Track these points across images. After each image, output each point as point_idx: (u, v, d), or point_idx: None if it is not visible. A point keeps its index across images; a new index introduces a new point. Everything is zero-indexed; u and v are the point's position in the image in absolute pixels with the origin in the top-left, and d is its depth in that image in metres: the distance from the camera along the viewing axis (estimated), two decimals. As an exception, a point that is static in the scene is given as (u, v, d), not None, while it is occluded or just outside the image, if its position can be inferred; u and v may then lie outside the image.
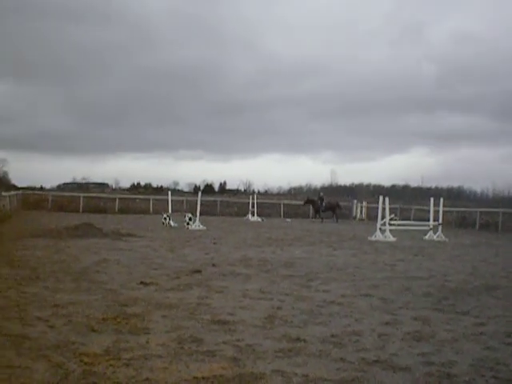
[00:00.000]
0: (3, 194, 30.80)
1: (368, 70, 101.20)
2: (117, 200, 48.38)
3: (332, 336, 7.25)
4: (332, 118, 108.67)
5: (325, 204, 44.31)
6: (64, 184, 76.40)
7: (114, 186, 77.13)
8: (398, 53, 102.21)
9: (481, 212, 42.04)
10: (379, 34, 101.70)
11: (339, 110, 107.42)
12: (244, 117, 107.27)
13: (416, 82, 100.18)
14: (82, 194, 49.18)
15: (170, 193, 37.10)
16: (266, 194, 75.74)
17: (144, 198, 50.58)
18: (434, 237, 27.71)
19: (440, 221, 28.96)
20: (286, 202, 54.43)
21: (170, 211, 32.25)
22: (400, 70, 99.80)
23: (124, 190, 70.53)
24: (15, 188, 49.29)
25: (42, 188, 63.29)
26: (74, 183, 77.09)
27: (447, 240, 26.93)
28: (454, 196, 69.39)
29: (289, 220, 45.03)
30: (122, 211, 46.12)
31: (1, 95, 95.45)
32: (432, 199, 30.36)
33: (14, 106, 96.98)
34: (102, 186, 74.71)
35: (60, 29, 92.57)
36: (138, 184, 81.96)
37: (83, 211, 44.59)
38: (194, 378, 5.42)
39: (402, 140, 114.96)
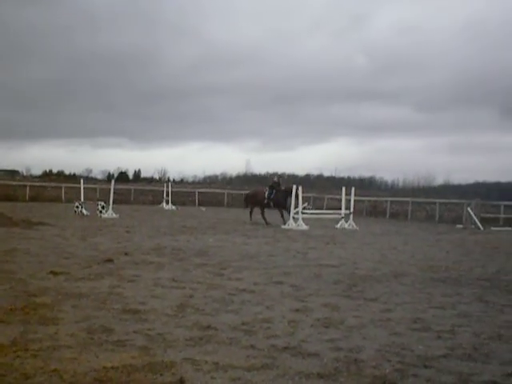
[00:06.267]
0: None
1: (303, 59, 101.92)
2: (27, 188, 47.24)
3: (243, 324, 7.32)
4: (262, 106, 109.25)
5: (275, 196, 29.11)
6: (-30, 171, 73.82)
7: (24, 174, 75.03)
8: (335, 43, 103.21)
9: (391, 201, 43.14)
10: (320, 22, 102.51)
11: (270, 98, 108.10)
12: (172, 105, 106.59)
13: (348, 72, 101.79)
14: (-11, 182, 47.78)
15: (82, 180, 36.43)
16: (181, 182, 75.37)
17: (56, 186, 49.53)
18: (346, 225, 28.23)
19: (351, 210, 29.54)
20: (200, 190, 54.37)
21: (82, 199, 31.73)
22: (334, 60, 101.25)
23: (35, 177, 68.64)
24: None
25: None
26: (-18, 170, 74.58)
27: (358, 228, 27.53)
28: (365, 186, 70.90)
29: (203, 209, 45.03)
30: (32, 199, 45.13)
31: None
32: (343, 188, 30.94)
33: None
34: (12, 174, 72.46)
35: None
36: (50, 171, 79.95)
37: (-9, 199, 43.39)
38: (104, 367, 5.38)
39: (325, 130, 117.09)
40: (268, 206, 29.22)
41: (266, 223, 28.05)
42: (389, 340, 6.83)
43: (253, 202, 30.03)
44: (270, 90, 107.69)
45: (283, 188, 29.42)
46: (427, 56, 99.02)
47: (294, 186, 27.79)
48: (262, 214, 28.97)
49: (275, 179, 30.55)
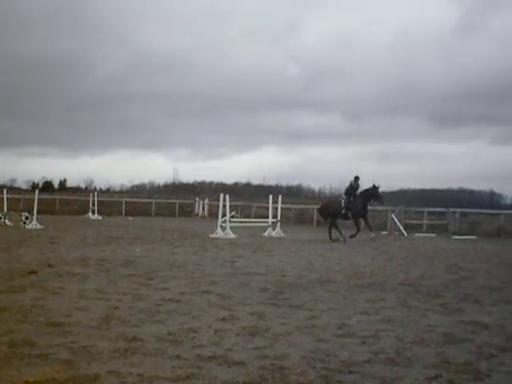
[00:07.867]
0: None
1: (234, 68, 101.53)
2: None
3: (169, 334, 7.28)
4: (192, 115, 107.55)
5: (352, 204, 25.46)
6: None
7: None
8: (266, 51, 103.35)
9: (317, 209, 43.62)
10: (252, 31, 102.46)
11: (200, 107, 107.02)
12: (100, 113, 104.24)
13: (278, 81, 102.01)
14: None
15: (5, 191, 35.61)
16: (108, 191, 74.46)
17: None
18: (273, 233, 28.33)
19: (278, 218, 29.73)
20: (127, 199, 53.81)
21: (5, 210, 31.00)
22: (265, 69, 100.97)
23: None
24: None
25: None
26: None
27: (285, 236, 27.69)
28: (293, 194, 71.57)
29: (131, 218, 44.58)
30: (-48, 210, 43.75)
31: None
32: (271, 196, 31.10)
33: None
34: None
35: None
36: (-29, 182, 77.68)
37: None
38: (26, 382, 5.27)
39: (255, 139, 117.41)
40: (346, 216, 25.77)
41: (342, 236, 25.06)
42: (314, 347, 6.90)
43: (328, 214, 26.78)
44: (200, 99, 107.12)
45: (361, 192, 25.71)
46: (356, 66, 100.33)
47: (221, 195, 27.78)
48: (335, 226, 26.01)
49: (352, 183, 26.06)
